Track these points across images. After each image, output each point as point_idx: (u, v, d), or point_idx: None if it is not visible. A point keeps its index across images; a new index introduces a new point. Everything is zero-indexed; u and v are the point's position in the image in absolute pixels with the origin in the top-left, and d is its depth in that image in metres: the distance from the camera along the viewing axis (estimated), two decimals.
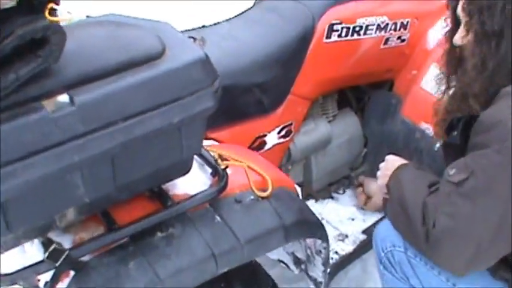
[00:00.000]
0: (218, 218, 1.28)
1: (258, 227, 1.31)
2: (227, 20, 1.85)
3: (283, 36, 1.80)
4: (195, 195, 1.27)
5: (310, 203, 2.09)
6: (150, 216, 1.20)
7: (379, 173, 1.64)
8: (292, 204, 1.41)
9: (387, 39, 1.96)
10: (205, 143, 1.60)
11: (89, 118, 0.99)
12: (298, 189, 1.56)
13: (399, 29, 1.96)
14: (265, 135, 1.81)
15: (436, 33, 1.99)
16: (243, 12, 1.89)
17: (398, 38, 1.97)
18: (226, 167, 1.32)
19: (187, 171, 1.27)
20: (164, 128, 1.06)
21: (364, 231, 2.00)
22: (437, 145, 1.90)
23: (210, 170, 1.35)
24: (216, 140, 1.69)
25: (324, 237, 1.48)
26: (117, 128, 1.02)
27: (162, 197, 1.26)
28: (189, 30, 1.79)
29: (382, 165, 1.67)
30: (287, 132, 1.87)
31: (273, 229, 1.32)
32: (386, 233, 1.52)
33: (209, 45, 1.70)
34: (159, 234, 1.21)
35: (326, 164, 2.08)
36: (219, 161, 1.35)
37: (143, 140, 1.07)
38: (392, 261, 1.50)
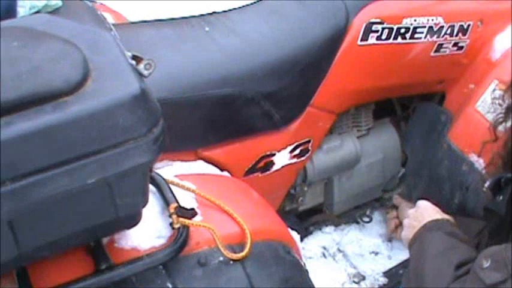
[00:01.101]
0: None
1: None
2: (238, 9, 1.51)
3: (306, 34, 1.45)
4: (140, 259, 0.99)
5: (328, 230, 1.78)
6: (72, 284, 0.93)
7: (405, 222, 1.35)
8: (276, 268, 1.11)
9: (440, 46, 1.57)
10: (187, 167, 1.33)
11: None
12: (297, 239, 1.25)
13: (457, 34, 1.57)
14: (273, 155, 1.49)
15: (505, 40, 1.60)
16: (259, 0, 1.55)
17: (455, 44, 1.58)
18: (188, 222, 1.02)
19: (134, 225, 0.99)
20: (76, 189, 0.78)
21: (386, 273, 1.68)
22: (487, 184, 1.54)
23: None
24: (209, 160, 1.39)
25: None
26: (5, 191, 0.74)
27: (98, 256, 0.99)
28: (188, 17, 1.48)
29: (411, 211, 1.38)
30: (302, 152, 1.55)
31: None
32: None
33: (207, 41, 1.39)
34: None
35: (351, 186, 1.75)
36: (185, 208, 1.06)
37: (51, 203, 0.79)
38: None
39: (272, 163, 1.50)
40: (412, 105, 1.82)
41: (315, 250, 1.72)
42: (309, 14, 1.47)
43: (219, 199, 1.16)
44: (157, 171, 1.24)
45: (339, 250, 1.72)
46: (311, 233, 1.77)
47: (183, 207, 1.05)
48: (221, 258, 1.06)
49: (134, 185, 0.87)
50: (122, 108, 0.78)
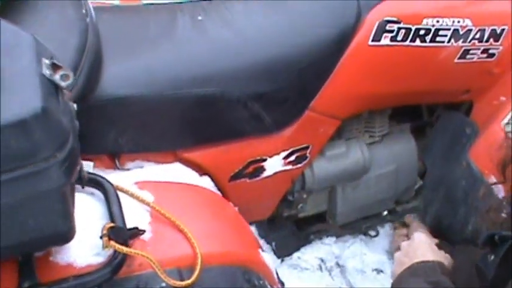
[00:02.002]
0: None
1: None
2: None
3: (308, 31, 1.29)
4: (68, 279, 0.90)
5: (329, 241, 1.64)
6: None
7: (396, 255, 1.25)
8: None
9: (467, 52, 1.37)
10: (160, 170, 1.23)
11: None
12: (271, 264, 1.13)
13: (487, 39, 1.37)
14: (263, 160, 1.36)
15: None
16: None
17: (485, 51, 1.38)
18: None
19: (65, 242, 0.89)
20: None
21: None
22: (503, 214, 1.36)
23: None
24: (188, 162, 1.28)
25: None
26: None
27: (23, 273, 0.90)
28: (185, 1, 1.35)
29: (404, 244, 1.27)
30: (299, 158, 1.41)
31: None
32: None
33: (196, 32, 1.26)
34: None
35: (357, 197, 1.59)
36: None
37: None
38: None
39: (262, 169, 1.37)
40: (436, 113, 1.64)
41: (311, 261, 1.59)
42: (315, 9, 1.31)
43: (178, 214, 1.05)
44: (118, 175, 1.16)
45: (338, 264, 1.58)
46: (310, 242, 1.63)
47: (121, 228, 0.94)
48: (163, 284, 0.96)
49: (48, 208, 0.77)
50: (14, 130, 0.68)
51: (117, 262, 0.92)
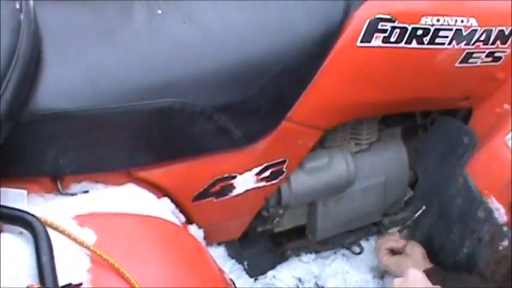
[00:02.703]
0: None
1: None
2: None
3: (285, 30, 1.09)
4: None
5: (307, 258, 1.48)
6: None
7: None
8: None
9: (470, 55, 1.19)
10: (109, 194, 1.04)
11: None
12: None
13: (494, 42, 1.18)
14: (232, 177, 1.18)
15: None
16: None
17: (490, 54, 1.20)
18: None
19: None
20: None
21: None
22: (504, 243, 1.21)
23: None
24: (145, 182, 1.10)
25: None
26: None
27: None
28: None
29: (397, 281, 1.16)
30: (274, 174, 1.23)
31: None
32: None
33: (152, 29, 1.06)
34: None
35: (339, 212, 1.42)
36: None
37: None
38: None
39: (231, 187, 1.19)
40: (430, 117, 1.47)
41: (288, 280, 1.43)
42: (296, 3, 1.12)
43: (123, 257, 0.88)
44: (57, 204, 0.98)
45: (317, 285, 1.42)
46: (286, 259, 1.47)
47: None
48: None
49: None
50: None
51: None
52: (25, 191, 0.95)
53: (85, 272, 0.85)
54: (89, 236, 0.90)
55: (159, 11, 1.10)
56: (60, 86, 0.96)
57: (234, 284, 1.16)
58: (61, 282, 0.81)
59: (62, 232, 0.88)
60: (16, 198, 0.94)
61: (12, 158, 0.95)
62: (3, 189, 0.94)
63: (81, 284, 0.82)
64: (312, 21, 1.12)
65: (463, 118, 1.39)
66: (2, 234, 0.86)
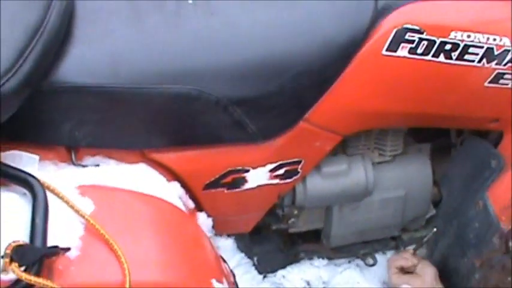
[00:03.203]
0: None
1: None
2: None
3: (311, 32, 1.10)
4: None
5: (319, 263, 1.47)
6: None
7: None
8: None
9: (500, 75, 1.16)
10: (120, 170, 1.08)
11: None
12: None
13: None
14: (245, 171, 1.19)
15: None
16: None
17: None
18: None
19: None
20: None
21: None
22: None
23: None
24: (157, 164, 1.13)
25: None
26: None
27: None
28: None
29: None
30: (288, 173, 1.23)
31: None
32: None
33: (180, 18, 1.08)
34: None
35: (355, 221, 1.41)
36: None
37: None
38: None
39: (243, 180, 1.20)
40: (461, 137, 1.43)
41: (296, 282, 1.43)
42: (324, 7, 1.12)
43: (117, 232, 0.91)
44: (66, 173, 1.03)
45: None
46: (298, 261, 1.47)
47: (30, 248, 0.80)
48: None
49: None
50: None
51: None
52: (37, 156, 1.00)
53: (76, 239, 0.89)
54: (87, 205, 0.94)
55: (190, 1, 1.14)
56: (82, 62, 1.01)
57: (234, 276, 1.18)
58: (50, 244, 0.85)
59: (61, 198, 0.92)
60: (28, 161, 0.99)
61: (30, 124, 1.01)
62: (17, 152, 0.99)
63: (69, 248, 0.86)
64: (338, 25, 1.12)
65: (494, 141, 1.35)
66: (2, 192, 0.91)
